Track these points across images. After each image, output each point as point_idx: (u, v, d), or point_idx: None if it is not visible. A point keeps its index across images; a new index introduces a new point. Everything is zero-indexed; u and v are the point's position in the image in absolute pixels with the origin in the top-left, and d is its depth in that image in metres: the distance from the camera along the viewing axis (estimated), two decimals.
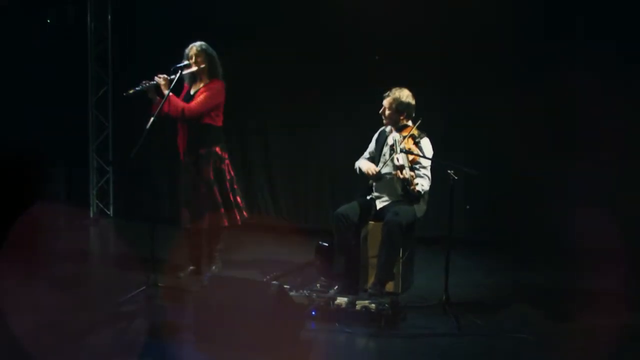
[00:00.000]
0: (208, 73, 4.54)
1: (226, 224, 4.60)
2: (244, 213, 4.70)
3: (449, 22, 5.73)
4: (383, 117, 4.46)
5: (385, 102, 4.41)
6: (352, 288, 4.25)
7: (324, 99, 6.18)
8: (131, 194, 6.89)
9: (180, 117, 4.44)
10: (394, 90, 4.40)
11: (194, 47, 4.51)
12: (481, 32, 5.64)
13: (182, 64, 4.40)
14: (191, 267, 4.74)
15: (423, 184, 4.20)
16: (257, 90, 6.37)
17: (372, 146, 4.65)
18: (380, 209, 4.39)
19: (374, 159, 4.57)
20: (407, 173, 4.05)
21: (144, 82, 4.37)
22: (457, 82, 5.79)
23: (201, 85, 4.56)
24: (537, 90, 5.51)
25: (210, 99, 4.48)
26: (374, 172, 4.38)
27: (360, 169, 4.50)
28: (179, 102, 4.44)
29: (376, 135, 4.64)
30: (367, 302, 3.79)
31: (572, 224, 5.20)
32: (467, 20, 5.66)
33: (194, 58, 4.49)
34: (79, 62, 6.83)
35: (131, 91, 4.32)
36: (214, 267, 4.70)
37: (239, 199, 4.68)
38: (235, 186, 4.69)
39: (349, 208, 4.35)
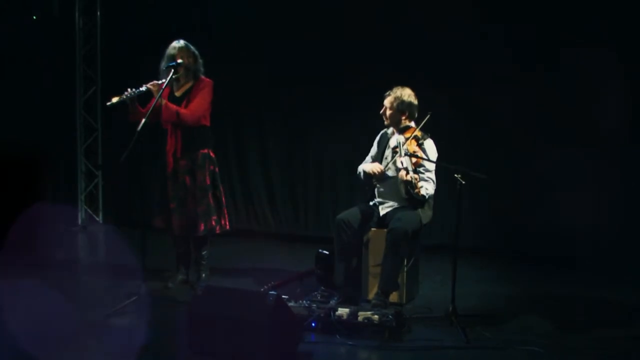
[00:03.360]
0: (194, 72, 4.52)
1: (218, 231, 4.61)
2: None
3: (447, 20, 5.74)
4: (384, 118, 4.47)
5: (386, 102, 4.42)
6: (354, 298, 4.24)
7: (324, 103, 6.19)
8: (121, 200, 6.90)
9: (176, 121, 4.44)
10: (395, 89, 4.42)
11: (178, 46, 4.47)
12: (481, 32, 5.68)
13: (176, 63, 4.37)
14: (180, 277, 4.75)
15: (427, 188, 4.20)
16: (255, 93, 6.39)
17: (374, 150, 4.65)
18: (384, 215, 4.38)
19: (376, 162, 4.57)
20: (410, 175, 4.05)
21: (128, 89, 4.33)
22: (459, 82, 5.81)
23: (188, 85, 4.54)
24: (545, 93, 5.54)
25: (206, 100, 4.51)
26: (380, 171, 4.37)
27: (364, 171, 4.50)
28: (172, 107, 4.43)
29: (378, 138, 4.65)
30: (369, 313, 3.76)
31: (581, 232, 5.23)
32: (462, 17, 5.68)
33: (184, 58, 4.44)
34: (66, 60, 6.85)
35: (115, 100, 4.29)
36: (203, 275, 4.70)
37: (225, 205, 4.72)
38: (223, 190, 4.70)
39: (350, 214, 4.34)
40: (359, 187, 4.84)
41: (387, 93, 4.42)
